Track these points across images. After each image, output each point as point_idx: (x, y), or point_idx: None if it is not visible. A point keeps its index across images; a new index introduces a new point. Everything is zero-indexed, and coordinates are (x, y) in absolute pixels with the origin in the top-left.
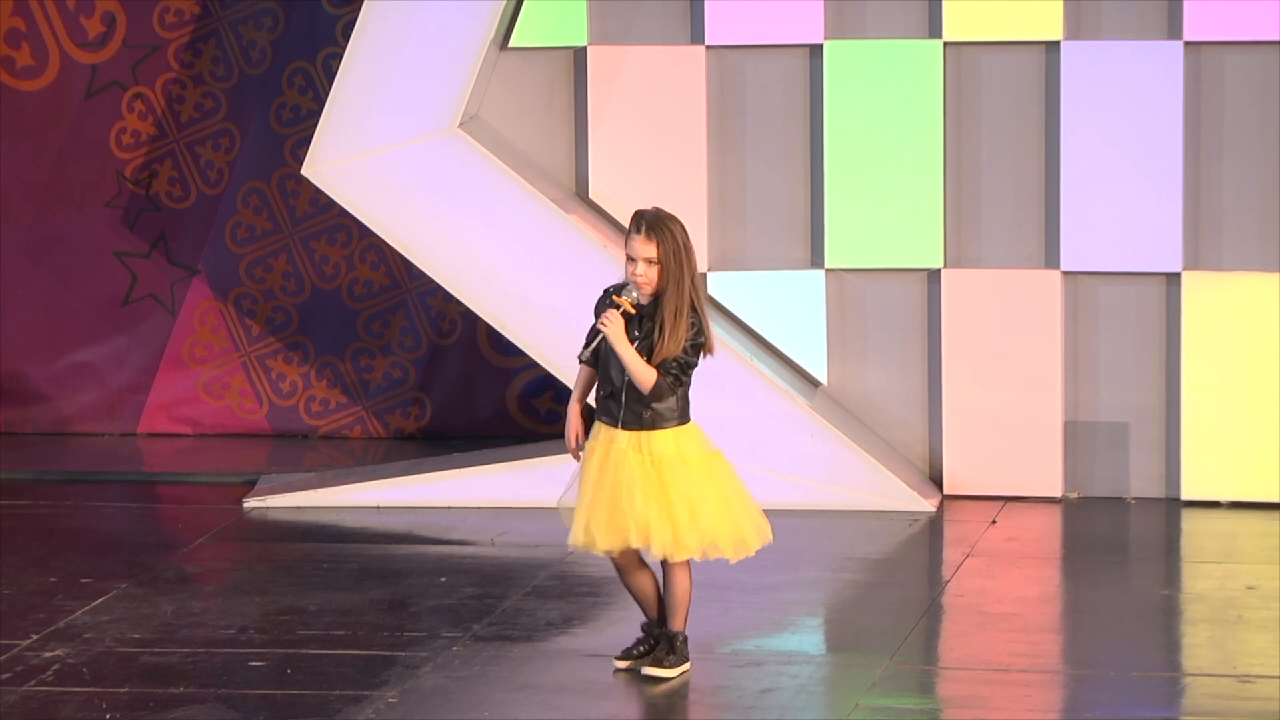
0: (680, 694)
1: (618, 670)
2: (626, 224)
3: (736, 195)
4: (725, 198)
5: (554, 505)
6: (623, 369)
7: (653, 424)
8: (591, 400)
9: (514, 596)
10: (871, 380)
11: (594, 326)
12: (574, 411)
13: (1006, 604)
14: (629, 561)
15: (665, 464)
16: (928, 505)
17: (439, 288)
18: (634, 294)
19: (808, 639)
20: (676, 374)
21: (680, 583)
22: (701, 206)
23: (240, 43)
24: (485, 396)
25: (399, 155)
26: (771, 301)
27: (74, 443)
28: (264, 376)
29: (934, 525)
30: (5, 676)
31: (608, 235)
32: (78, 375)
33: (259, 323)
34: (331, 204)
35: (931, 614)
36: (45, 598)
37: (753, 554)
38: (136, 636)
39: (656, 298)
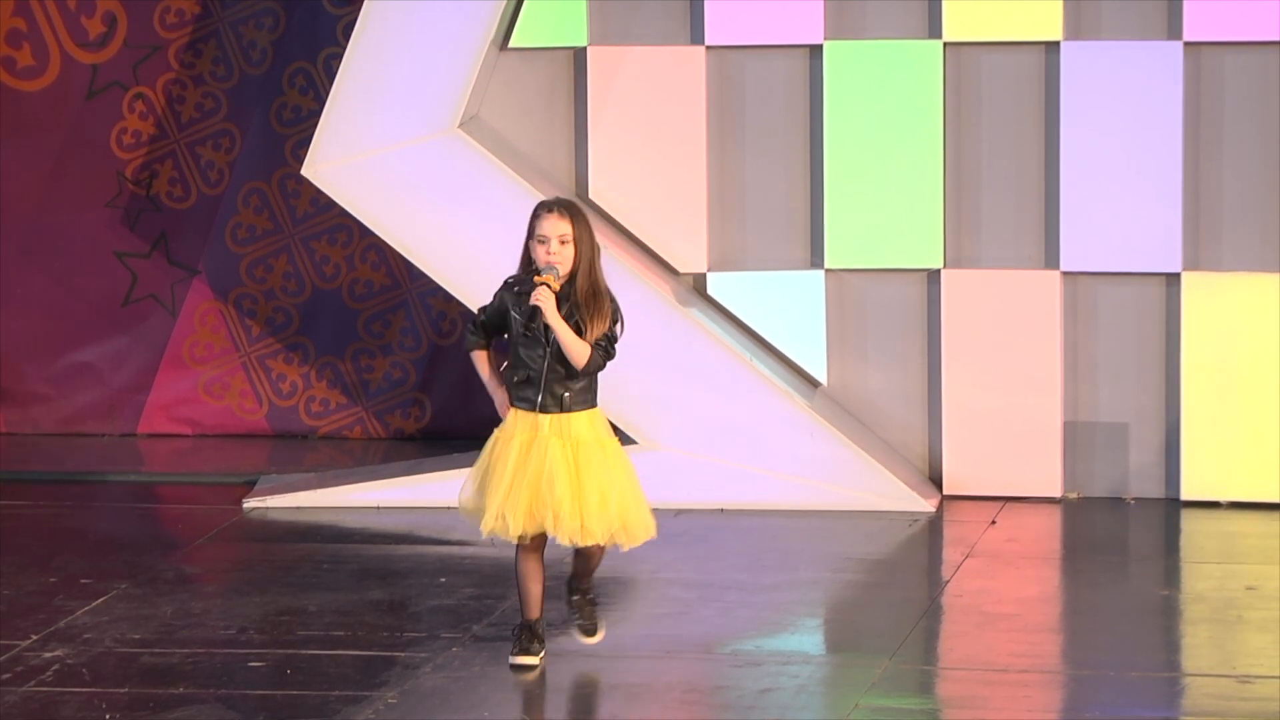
0: (680, 694)
1: (521, 668)
2: (627, 225)
3: (736, 195)
4: (725, 198)
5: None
6: (540, 352)
7: (570, 406)
8: None
9: (514, 597)
10: (871, 380)
11: (493, 306)
12: (497, 384)
13: (1006, 604)
14: (536, 548)
15: (582, 448)
16: (927, 505)
17: (439, 288)
18: (556, 271)
19: (807, 639)
20: (605, 347)
21: (595, 553)
22: (701, 206)
23: (241, 43)
24: (485, 397)
25: (399, 155)
26: (771, 301)
27: (74, 443)
28: (264, 377)
29: (934, 525)
30: (5, 677)
31: (608, 235)
32: (78, 375)
33: (259, 323)
34: (332, 204)
35: (931, 614)
36: (45, 598)
37: (638, 544)
38: (136, 637)
39: (570, 278)
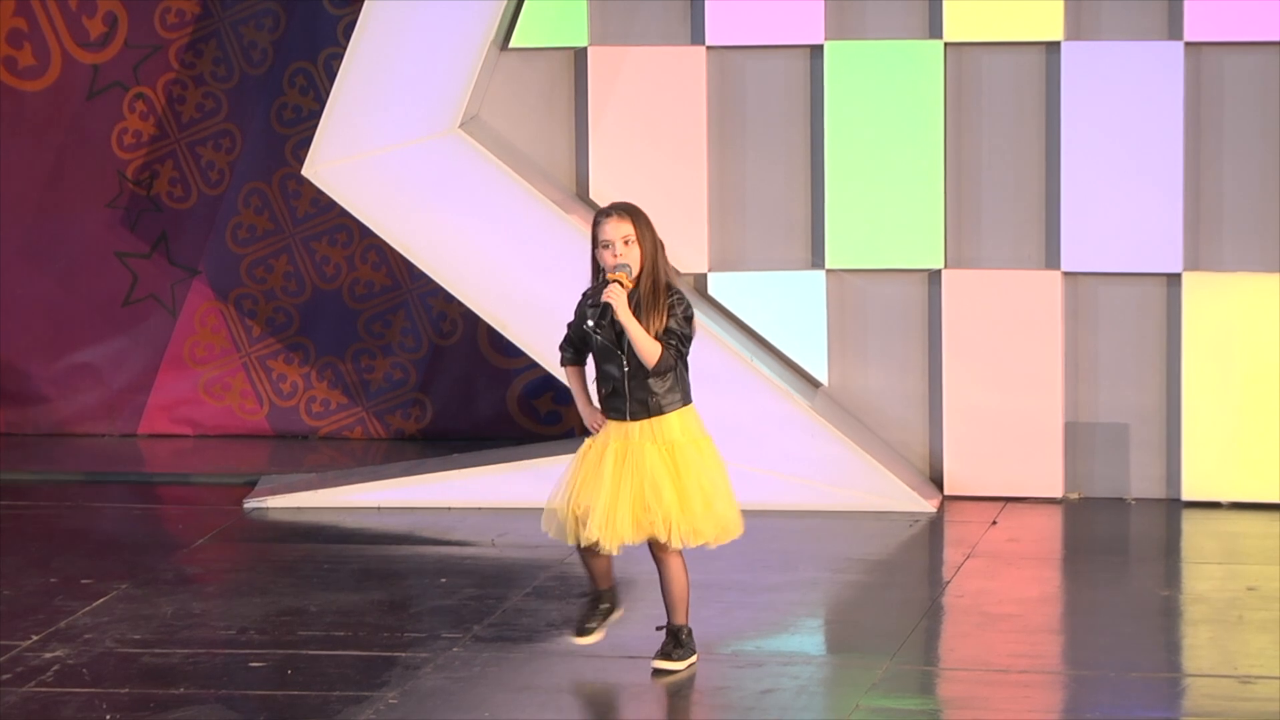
0: (681, 694)
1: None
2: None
3: (736, 195)
4: (725, 198)
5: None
6: (619, 362)
7: (659, 409)
8: None
9: (514, 597)
10: (872, 381)
11: (576, 322)
12: (586, 402)
13: (1007, 605)
14: (609, 557)
15: (678, 450)
16: (928, 506)
17: (440, 288)
18: (628, 269)
19: (808, 640)
20: (677, 345)
21: (678, 576)
22: (701, 206)
23: (241, 43)
24: (486, 397)
25: (399, 155)
26: (772, 302)
27: (74, 443)
28: (264, 377)
29: (934, 526)
30: (5, 677)
31: None
32: (78, 376)
33: (259, 323)
34: (332, 204)
35: (932, 615)
36: (46, 598)
37: (725, 542)
38: (137, 637)
39: (636, 277)
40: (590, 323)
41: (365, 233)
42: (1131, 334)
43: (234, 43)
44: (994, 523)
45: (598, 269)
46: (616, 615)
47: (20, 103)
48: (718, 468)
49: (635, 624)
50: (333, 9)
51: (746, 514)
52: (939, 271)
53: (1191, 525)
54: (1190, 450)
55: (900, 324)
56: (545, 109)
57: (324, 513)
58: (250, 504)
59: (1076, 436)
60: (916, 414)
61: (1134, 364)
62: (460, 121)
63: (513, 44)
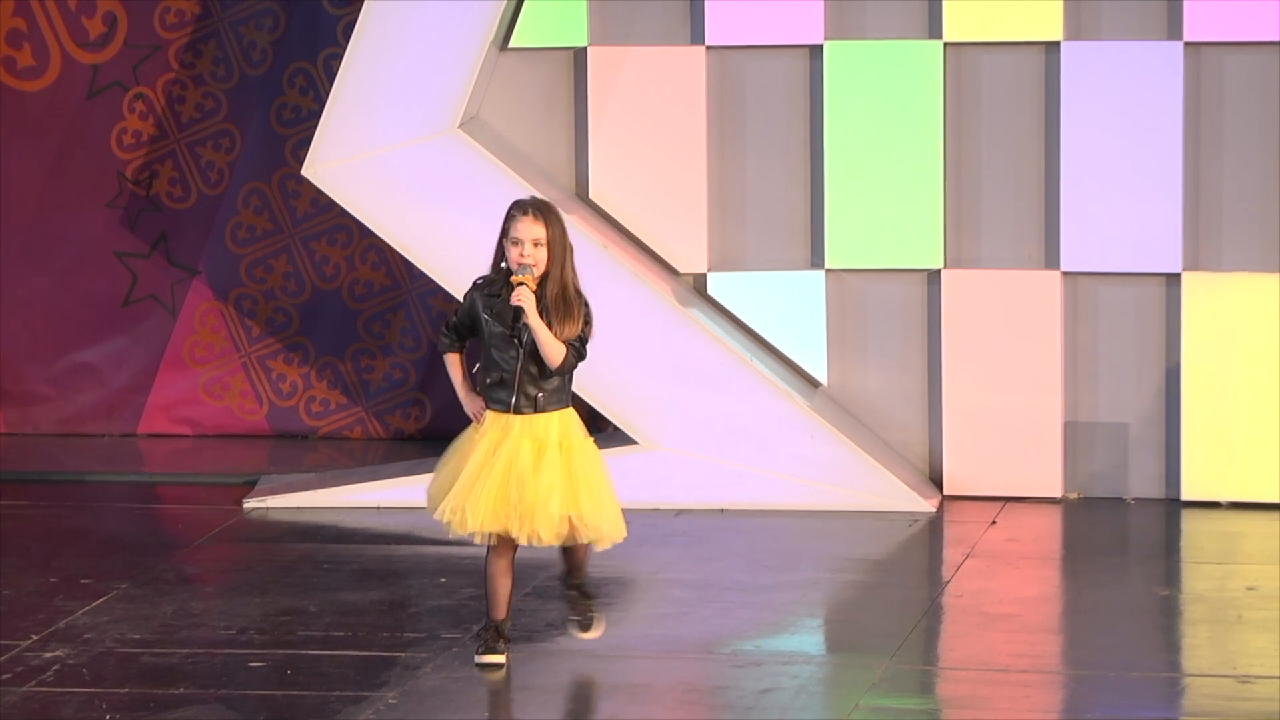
0: (680, 694)
1: (488, 666)
2: (627, 225)
3: (736, 195)
4: (725, 198)
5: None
6: (514, 353)
7: (544, 407)
8: None
9: (514, 597)
10: (871, 381)
11: (466, 309)
12: (468, 390)
13: (1006, 605)
14: (507, 548)
15: (549, 449)
16: (927, 506)
17: (440, 288)
18: (531, 271)
19: (808, 639)
20: (578, 348)
21: (581, 548)
22: (701, 206)
23: (241, 43)
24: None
25: (399, 156)
26: (771, 302)
27: (74, 443)
28: (264, 377)
29: (934, 526)
30: (5, 677)
31: (608, 236)
32: (78, 376)
33: (259, 323)
34: (332, 204)
35: (931, 614)
36: (45, 598)
37: (608, 546)
38: (137, 637)
39: (540, 281)
40: (495, 325)
41: (365, 233)
42: (1131, 334)
43: (234, 43)
44: (993, 523)
45: (501, 256)
46: (502, 655)
47: (20, 103)
48: (592, 469)
49: (635, 624)
50: (333, 9)
51: (747, 514)
52: (939, 271)
53: (1191, 525)
54: (1190, 450)
55: (900, 324)
56: (545, 109)
57: (324, 513)
58: (250, 504)
59: (1076, 436)
60: (916, 414)
61: (1133, 364)
62: (460, 121)
63: (512, 44)
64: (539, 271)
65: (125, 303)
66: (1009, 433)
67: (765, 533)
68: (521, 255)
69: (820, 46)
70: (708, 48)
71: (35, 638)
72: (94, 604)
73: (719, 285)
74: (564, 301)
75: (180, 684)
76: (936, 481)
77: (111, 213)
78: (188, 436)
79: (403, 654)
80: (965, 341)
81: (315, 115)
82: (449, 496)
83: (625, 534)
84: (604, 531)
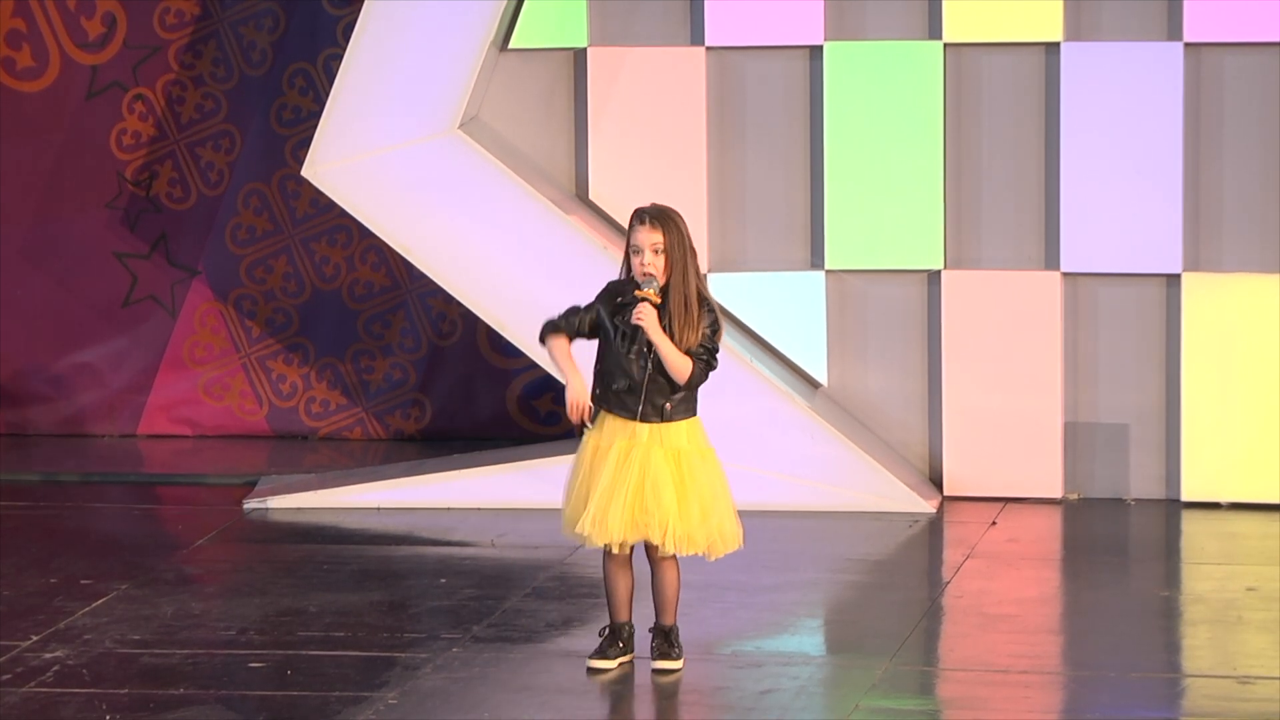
0: (680, 694)
1: (594, 671)
2: (626, 225)
3: (736, 196)
4: (725, 198)
5: (555, 506)
6: (643, 363)
7: (671, 416)
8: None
9: (514, 598)
10: (871, 381)
11: (578, 308)
12: (579, 379)
13: (1006, 605)
14: (625, 556)
15: (684, 457)
16: (927, 506)
17: (439, 289)
18: (654, 285)
19: (808, 640)
20: (706, 359)
21: (671, 579)
22: (701, 207)
23: (240, 44)
24: (485, 398)
25: (399, 156)
26: (771, 302)
27: (74, 444)
28: (264, 378)
29: (934, 526)
30: (5, 678)
31: (608, 236)
32: (78, 376)
33: (259, 324)
34: (332, 205)
35: (931, 615)
36: (45, 599)
37: (722, 555)
38: (136, 638)
39: (663, 289)
40: (621, 340)
41: (365, 233)
42: (1131, 334)
43: (233, 43)
44: (993, 523)
45: (629, 266)
46: (627, 659)
47: (19, 104)
48: (721, 480)
49: (636, 625)
50: (332, 9)
51: (747, 514)
52: (939, 272)
53: (1191, 526)
54: (1190, 450)
55: (900, 325)
56: (545, 110)
57: (324, 513)
58: (250, 504)
59: (1076, 437)
60: (916, 414)
61: (1134, 364)
62: (460, 122)
63: (512, 45)
64: (661, 280)
65: (125, 303)
66: (1009, 433)
67: (765, 533)
68: (642, 264)
69: (820, 47)
70: (708, 48)
71: (35, 638)
72: (94, 604)
73: (719, 285)
74: (685, 309)
75: (180, 684)
76: (936, 482)
77: (111, 213)
78: (188, 437)
79: (403, 654)
80: (965, 342)
81: (315, 116)
82: (587, 509)
83: (742, 543)
84: (730, 541)
